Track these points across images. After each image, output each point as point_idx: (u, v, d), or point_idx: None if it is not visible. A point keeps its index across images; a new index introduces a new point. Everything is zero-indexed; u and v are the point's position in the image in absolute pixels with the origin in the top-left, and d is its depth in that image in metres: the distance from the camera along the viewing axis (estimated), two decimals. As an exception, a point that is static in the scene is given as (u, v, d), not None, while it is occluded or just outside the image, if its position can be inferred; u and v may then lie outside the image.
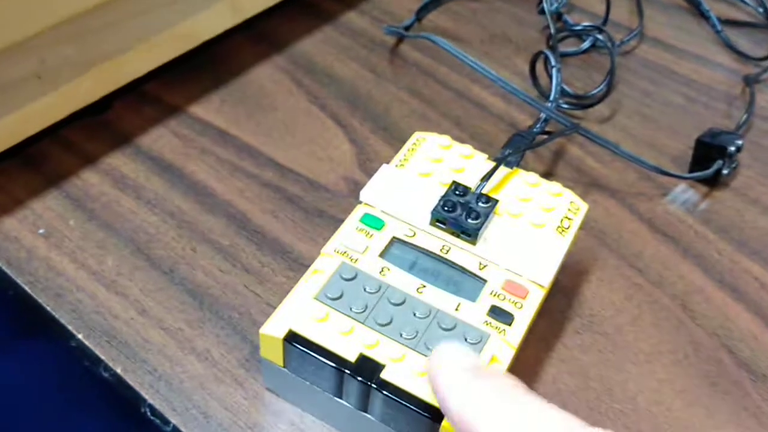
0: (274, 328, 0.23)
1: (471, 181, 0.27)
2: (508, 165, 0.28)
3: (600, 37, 0.38)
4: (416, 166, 0.27)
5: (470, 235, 0.25)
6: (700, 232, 0.32)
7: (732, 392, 0.27)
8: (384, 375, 0.22)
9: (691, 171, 0.34)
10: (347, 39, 0.40)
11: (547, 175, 0.34)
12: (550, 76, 0.35)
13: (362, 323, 0.23)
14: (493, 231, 0.26)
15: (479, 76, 0.37)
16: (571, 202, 0.27)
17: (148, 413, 0.25)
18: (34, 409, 0.25)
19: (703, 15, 0.44)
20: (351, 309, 0.23)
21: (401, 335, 0.23)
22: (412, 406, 0.21)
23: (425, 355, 0.22)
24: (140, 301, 0.27)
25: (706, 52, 0.42)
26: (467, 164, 0.28)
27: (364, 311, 0.23)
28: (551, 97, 0.34)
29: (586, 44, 0.40)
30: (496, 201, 0.26)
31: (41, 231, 0.29)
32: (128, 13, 0.31)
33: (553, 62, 0.34)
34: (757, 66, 0.41)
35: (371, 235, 0.25)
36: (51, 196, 0.31)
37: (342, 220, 0.26)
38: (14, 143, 0.30)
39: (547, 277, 0.25)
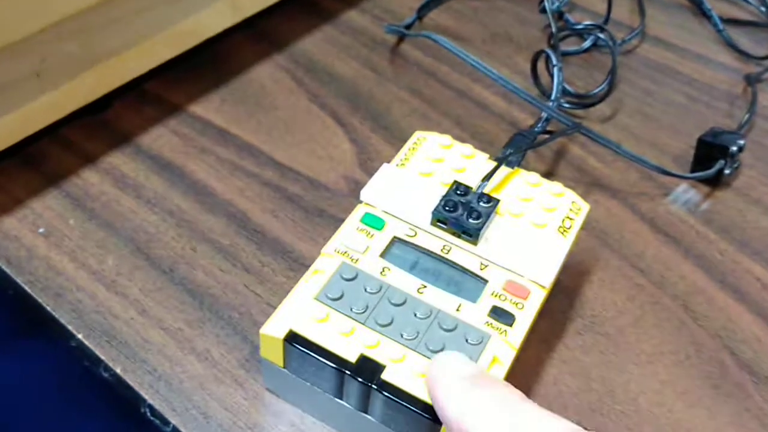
0: (274, 329, 0.23)
1: (472, 180, 0.27)
2: (510, 165, 0.28)
3: (601, 36, 0.38)
4: (417, 166, 0.27)
5: (471, 235, 0.25)
6: (701, 233, 0.32)
7: (734, 394, 0.27)
8: (384, 376, 0.22)
9: (692, 171, 0.34)
10: (348, 38, 0.40)
11: (549, 174, 0.34)
12: (552, 76, 0.34)
13: (363, 324, 0.23)
14: (494, 231, 0.26)
15: (480, 75, 0.37)
16: (573, 202, 0.27)
17: (148, 413, 0.25)
18: (33, 410, 0.25)
19: (705, 14, 0.44)
20: (351, 309, 0.23)
21: (402, 336, 0.23)
22: (412, 408, 0.21)
23: (426, 356, 0.22)
24: (140, 300, 0.27)
25: (708, 52, 0.42)
26: (468, 164, 0.28)
27: (365, 311, 0.23)
28: (553, 97, 0.33)
29: (587, 43, 0.40)
30: (498, 201, 0.26)
31: (41, 230, 0.29)
32: (128, 12, 0.31)
33: (554, 61, 0.34)
34: (759, 65, 0.41)
35: (372, 235, 0.25)
36: (51, 196, 0.30)
37: (342, 220, 0.26)
38: (14, 142, 0.30)
39: (549, 277, 0.25)
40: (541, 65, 0.37)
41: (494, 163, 0.28)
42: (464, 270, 0.25)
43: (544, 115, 0.33)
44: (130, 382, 0.25)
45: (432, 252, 0.25)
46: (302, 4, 0.41)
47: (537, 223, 0.26)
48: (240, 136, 0.34)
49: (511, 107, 0.37)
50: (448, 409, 0.19)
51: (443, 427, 0.21)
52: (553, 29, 0.36)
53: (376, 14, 0.41)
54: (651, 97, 0.39)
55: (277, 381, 0.24)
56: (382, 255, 0.25)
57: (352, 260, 0.24)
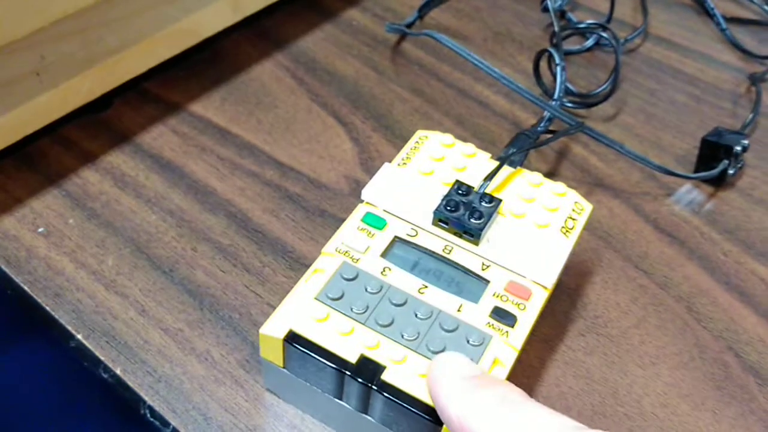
0: (274, 329, 0.22)
1: (474, 180, 0.26)
2: (512, 164, 0.28)
3: (604, 35, 0.38)
4: (418, 165, 0.27)
5: (473, 235, 0.25)
6: (705, 233, 0.32)
7: (738, 396, 0.27)
8: (385, 376, 0.21)
9: (696, 171, 0.34)
10: (349, 37, 0.39)
11: (551, 174, 0.34)
12: (554, 75, 0.34)
13: (363, 324, 0.23)
14: (496, 231, 0.25)
15: (482, 74, 0.37)
16: (576, 203, 0.27)
17: (148, 415, 0.24)
18: (32, 410, 0.25)
19: (708, 13, 0.43)
20: (352, 309, 0.23)
21: (402, 336, 0.22)
22: (413, 409, 0.21)
23: (427, 357, 0.22)
24: (140, 301, 0.27)
25: (712, 51, 0.41)
26: (470, 163, 0.27)
27: (365, 312, 0.23)
28: (555, 96, 0.33)
29: (590, 42, 0.40)
30: (500, 201, 0.26)
31: (41, 230, 0.29)
32: (128, 11, 0.31)
33: (557, 60, 0.34)
34: (763, 64, 0.41)
35: (373, 235, 0.25)
36: (50, 195, 0.30)
37: (343, 220, 0.26)
38: (13, 141, 0.30)
39: (551, 278, 0.24)
40: (543, 64, 0.36)
41: (496, 163, 0.27)
42: (466, 270, 0.24)
43: (546, 114, 0.32)
44: (130, 383, 0.25)
45: (433, 252, 0.25)
46: (303, 3, 0.41)
47: (539, 224, 0.26)
48: (240, 136, 0.34)
49: (513, 106, 0.37)
50: (450, 408, 0.19)
51: (444, 428, 0.21)
52: (556, 28, 0.35)
53: (377, 13, 0.41)
54: (654, 97, 0.38)
55: (278, 381, 0.24)
56: (383, 255, 0.24)
57: (352, 260, 0.24)
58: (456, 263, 0.24)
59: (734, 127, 0.37)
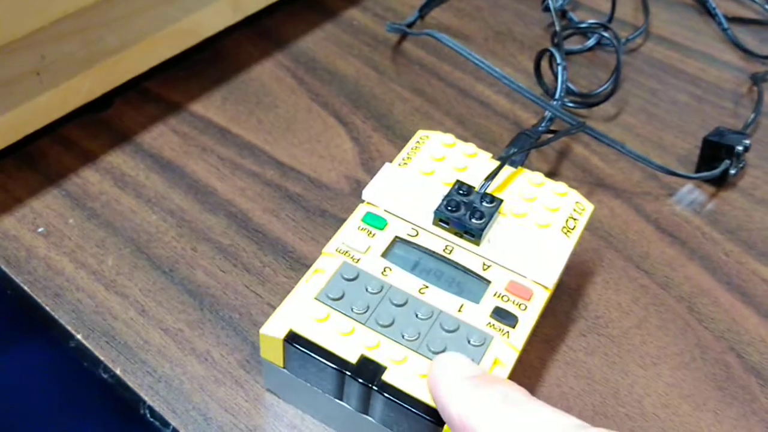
0: (274, 329, 0.22)
1: (475, 180, 0.26)
2: (513, 164, 0.28)
3: (605, 34, 0.38)
4: (419, 165, 0.27)
5: (474, 235, 0.25)
6: (707, 233, 0.32)
7: (740, 397, 0.26)
8: (385, 377, 0.21)
9: (697, 171, 0.34)
10: (349, 36, 0.39)
11: (552, 174, 0.34)
12: (555, 74, 0.34)
13: (363, 324, 0.22)
14: (497, 231, 0.25)
15: (483, 74, 0.37)
16: (577, 203, 0.27)
17: (148, 415, 0.24)
18: (32, 411, 0.25)
19: (710, 12, 0.43)
20: (352, 309, 0.23)
21: (403, 336, 0.22)
22: (413, 409, 0.21)
23: (427, 357, 0.22)
24: (140, 301, 0.27)
25: (713, 50, 0.41)
26: (471, 163, 0.27)
27: (366, 312, 0.23)
28: (556, 96, 0.33)
29: (591, 42, 0.40)
30: (501, 201, 0.26)
31: (40, 230, 0.29)
32: (128, 10, 0.31)
33: (558, 60, 0.34)
34: (765, 64, 0.40)
35: (373, 235, 0.25)
36: (50, 195, 0.30)
37: (344, 220, 0.26)
38: (13, 141, 0.30)
39: (552, 278, 0.24)
40: (544, 64, 0.36)
41: (497, 163, 0.27)
42: (466, 270, 0.24)
43: (547, 114, 0.32)
44: (130, 384, 0.25)
45: (434, 252, 0.25)
46: (303, 3, 0.41)
47: (540, 224, 0.26)
48: (241, 135, 0.34)
49: (514, 106, 0.37)
50: (451, 407, 0.19)
51: (445, 428, 0.21)
52: (557, 28, 0.35)
53: (378, 13, 0.41)
54: (655, 97, 0.38)
55: (278, 382, 0.24)
56: (384, 255, 0.24)
57: (353, 260, 0.24)
58: (457, 263, 0.24)
59: (736, 126, 0.37)
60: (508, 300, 0.24)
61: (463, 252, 0.25)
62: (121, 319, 0.26)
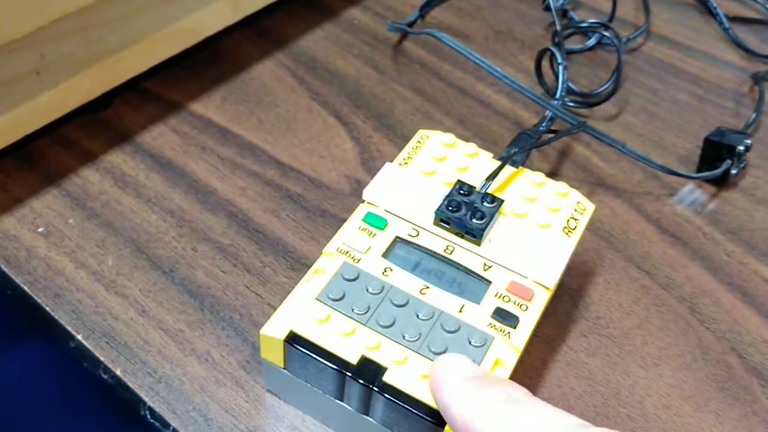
0: (274, 329, 0.22)
1: (476, 180, 0.26)
2: (514, 164, 0.28)
3: (606, 34, 0.38)
4: (420, 165, 0.27)
5: (475, 235, 0.25)
6: (708, 234, 0.32)
7: (742, 398, 0.26)
8: (386, 378, 0.21)
9: (698, 171, 0.34)
10: (350, 36, 0.39)
11: (553, 174, 0.34)
12: (556, 74, 0.34)
13: (364, 325, 0.22)
14: (498, 231, 0.25)
15: (484, 74, 0.37)
16: (578, 203, 0.27)
17: (148, 416, 0.24)
18: (32, 411, 0.25)
19: (711, 12, 0.43)
20: (353, 310, 0.23)
21: (404, 337, 0.22)
22: (414, 410, 0.21)
23: (428, 358, 0.22)
24: (140, 301, 0.27)
25: (714, 50, 0.41)
26: (472, 163, 0.27)
27: (367, 312, 0.23)
28: (557, 95, 0.33)
29: (592, 41, 0.40)
30: (502, 201, 0.26)
31: (40, 230, 0.29)
32: (128, 10, 0.31)
33: (559, 59, 0.34)
34: (766, 64, 0.40)
35: (374, 235, 0.25)
36: (50, 195, 0.30)
37: (344, 220, 0.26)
38: (13, 141, 0.30)
39: (553, 278, 0.24)
40: (545, 63, 0.36)
41: (498, 163, 0.27)
42: (467, 271, 0.24)
43: (548, 113, 0.32)
44: (130, 384, 0.25)
45: (435, 252, 0.25)
46: (303, 2, 0.41)
47: (541, 224, 0.26)
48: (241, 135, 0.34)
49: (515, 106, 0.37)
50: (453, 407, 0.19)
51: (447, 429, 0.21)
52: (558, 27, 0.35)
53: (378, 12, 0.41)
54: (656, 96, 0.38)
55: (278, 382, 0.24)
56: (385, 255, 0.24)
57: (353, 260, 0.24)
58: (458, 264, 0.24)
59: (737, 126, 0.36)
60: (509, 300, 0.24)
61: (464, 252, 0.25)
62: (122, 319, 0.26)
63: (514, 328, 0.23)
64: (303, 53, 0.38)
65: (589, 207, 0.27)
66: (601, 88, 0.36)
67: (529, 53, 0.39)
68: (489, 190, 0.26)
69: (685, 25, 0.43)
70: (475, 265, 0.24)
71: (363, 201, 0.26)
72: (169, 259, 0.28)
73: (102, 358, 0.25)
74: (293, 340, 0.22)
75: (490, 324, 0.23)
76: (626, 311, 0.29)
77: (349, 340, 0.22)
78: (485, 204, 0.25)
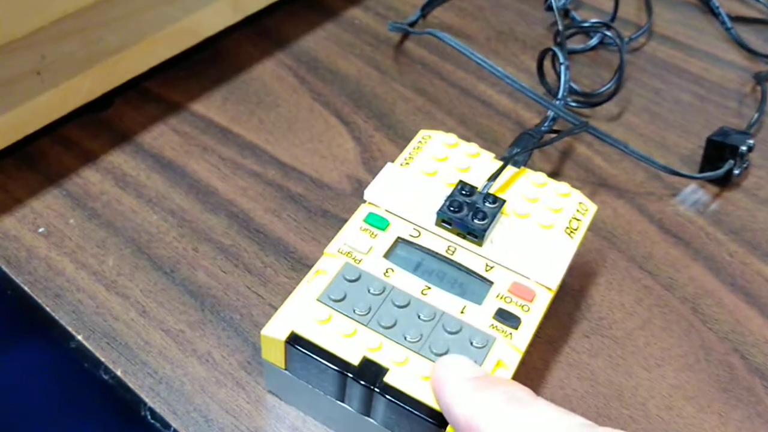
0: (275, 330, 0.22)
1: (477, 180, 0.26)
2: (516, 164, 0.27)
3: (608, 33, 0.38)
4: (421, 165, 0.27)
5: (477, 236, 0.25)
6: (711, 234, 0.32)
7: (745, 398, 0.26)
8: (387, 379, 0.21)
9: (701, 171, 0.34)
10: (351, 36, 0.39)
11: (555, 174, 0.34)
12: (558, 74, 0.34)
13: (365, 325, 0.22)
14: (499, 232, 0.25)
15: (485, 74, 0.36)
16: (580, 203, 0.27)
17: (149, 417, 0.24)
18: (32, 412, 0.25)
19: (713, 12, 0.43)
20: (354, 311, 0.23)
21: (405, 338, 0.22)
22: (416, 411, 0.21)
23: (430, 359, 0.22)
24: (141, 302, 0.27)
25: (716, 50, 0.41)
26: (473, 163, 0.27)
27: (368, 313, 0.23)
28: (559, 95, 0.33)
29: (594, 41, 0.40)
30: (504, 201, 0.25)
31: (41, 230, 0.29)
32: (129, 10, 0.31)
33: (561, 59, 0.33)
34: (769, 64, 0.40)
35: (375, 235, 0.25)
36: (51, 195, 0.30)
37: (346, 220, 0.26)
38: (13, 141, 0.30)
39: (555, 279, 0.24)
40: (547, 63, 0.36)
41: (500, 163, 0.27)
42: (469, 271, 0.24)
43: (550, 113, 0.32)
44: (131, 385, 0.25)
45: (436, 253, 0.25)
46: (304, 2, 0.41)
47: (543, 224, 0.26)
48: (242, 135, 0.34)
49: (516, 106, 0.36)
50: (456, 408, 0.19)
51: (449, 429, 0.20)
52: (560, 27, 0.35)
53: (380, 12, 0.41)
54: (659, 96, 0.38)
55: (279, 383, 0.24)
56: (386, 256, 0.24)
57: (355, 261, 0.24)
58: (459, 264, 0.24)
59: (739, 126, 0.36)
60: (511, 301, 0.24)
61: (465, 253, 0.25)
62: (122, 320, 0.26)
63: (516, 329, 0.23)
64: (304, 53, 0.38)
65: (592, 207, 0.27)
66: (603, 88, 0.36)
67: (530, 53, 0.39)
68: (491, 191, 0.26)
69: (687, 25, 0.43)
70: (477, 266, 0.24)
71: (364, 201, 0.26)
72: (169, 260, 0.28)
73: (102, 359, 0.25)
74: (294, 340, 0.22)
75: (492, 325, 0.23)
76: (628, 312, 0.29)
77: (351, 341, 0.22)
78: (487, 204, 0.25)
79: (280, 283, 0.28)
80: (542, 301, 0.24)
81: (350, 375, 0.21)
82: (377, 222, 0.25)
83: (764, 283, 0.30)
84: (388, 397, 0.21)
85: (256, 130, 0.34)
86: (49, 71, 0.29)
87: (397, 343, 0.22)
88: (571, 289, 0.29)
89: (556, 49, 0.34)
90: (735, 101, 0.38)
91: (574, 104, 0.37)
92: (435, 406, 0.21)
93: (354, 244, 0.24)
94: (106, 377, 0.25)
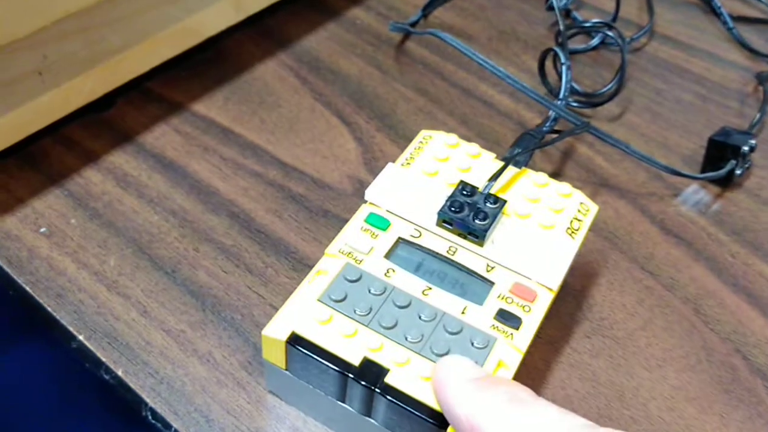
0: (276, 330, 0.22)
1: (478, 180, 0.26)
2: (517, 165, 0.27)
3: (610, 33, 0.38)
4: (422, 165, 0.27)
5: (478, 236, 0.25)
6: (712, 234, 0.32)
7: (746, 399, 0.26)
8: (388, 379, 0.21)
9: (703, 171, 0.34)
10: (352, 36, 0.39)
11: (556, 174, 0.33)
12: (560, 74, 0.34)
13: (366, 326, 0.22)
14: (501, 232, 0.25)
15: (487, 74, 0.36)
16: (581, 203, 0.27)
17: (149, 417, 0.24)
18: (33, 412, 0.25)
19: (715, 12, 0.43)
20: (355, 311, 0.23)
21: (406, 339, 0.22)
22: (417, 412, 0.21)
23: (431, 360, 0.22)
24: (142, 302, 0.27)
25: (718, 50, 0.41)
26: (474, 163, 0.27)
27: (369, 314, 0.23)
28: (561, 95, 0.33)
29: (595, 41, 0.40)
30: (505, 201, 0.25)
31: (42, 230, 0.29)
32: (131, 10, 0.31)
33: (562, 59, 0.33)
34: (771, 64, 0.40)
35: (376, 236, 0.25)
36: (52, 195, 0.30)
37: (347, 220, 0.26)
38: (15, 141, 0.30)
39: (556, 279, 0.24)
40: (548, 63, 0.36)
41: (501, 163, 0.27)
42: (470, 272, 0.24)
43: (551, 114, 0.32)
44: (132, 385, 0.25)
45: (437, 253, 0.24)
46: (306, 2, 0.41)
47: (545, 225, 0.26)
48: (243, 135, 0.34)
49: (518, 106, 0.36)
50: (458, 408, 0.19)
51: (450, 430, 0.20)
52: (561, 27, 0.35)
53: (381, 12, 0.41)
54: (660, 96, 0.38)
55: (280, 383, 0.24)
56: (387, 256, 0.24)
57: (356, 261, 0.24)
58: (460, 265, 0.24)
59: (741, 126, 0.36)
60: (512, 302, 0.23)
61: (466, 253, 0.25)
62: (123, 320, 0.26)
63: (517, 329, 0.23)
64: (306, 53, 0.38)
65: (593, 208, 0.27)
66: (605, 88, 0.36)
67: (532, 53, 0.39)
68: (492, 191, 0.26)
69: (688, 25, 0.43)
70: (478, 266, 0.24)
71: (365, 201, 0.26)
72: (171, 260, 0.28)
73: (103, 359, 0.25)
74: (295, 341, 0.22)
75: (493, 325, 0.23)
76: (630, 312, 0.29)
77: (351, 342, 0.22)
78: (488, 205, 0.25)
79: (281, 284, 0.28)
80: (543, 302, 0.24)
81: (351, 375, 0.21)
82: (378, 222, 0.25)
83: (766, 284, 0.30)
84: (388, 397, 0.21)
85: (258, 130, 0.34)
86: (51, 71, 0.29)
87: (398, 343, 0.22)
88: (573, 289, 0.29)
89: (558, 49, 0.34)
90: (737, 101, 0.38)
91: (575, 104, 0.37)
92: (436, 406, 0.21)
93: (355, 245, 0.24)
94: (107, 377, 0.25)
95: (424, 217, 0.25)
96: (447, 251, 0.25)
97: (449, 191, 0.26)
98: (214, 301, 0.27)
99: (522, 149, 0.29)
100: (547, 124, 0.32)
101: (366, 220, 0.25)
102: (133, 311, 0.27)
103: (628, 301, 0.29)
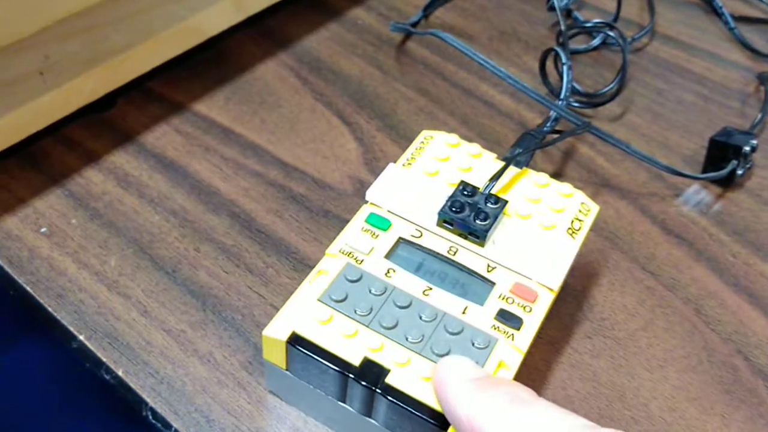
0: (276, 330, 0.22)
1: (479, 181, 0.26)
2: (518, 165, 0.27)
3: (611, 34, 0.38)
4: (423, 166, 0.27)
5: (478, 236, 0.25)
6: (714, 235, 0.32)
7: (747, 400, 0.26)
8: (389, 380, 0.21)
9: (704, 171, 0.34)
10: (353, 36, 0.39)
11: (557, 175, 0.33)
12: (561, 74, 0.34)
13: (367, 326, 0.22)
14: (501, 232, 0.25)
15: (488, 74, 0.36)
16: (582, 204, 0.27)
17: (150, 417, 0.24)
18: (33, 411, 0.25)
19: (716, 11, 0.43)
20: (356, 311, 0.23)
21: (407, 339, 0.22)
22: (417, 413, 0.21)
23: (431, 360, 0.22)
24: (142, 302, 0.27)
25: (719, 50, 0.41)
26: (475, 164, 0.27)
27: (369, 314, 0.23)
28: (562, 95, 0.33)
29: (596, 41, 0.40)
30: (506, 202, 0.25)
31: (43, 230, 0.29)
32: (132, 10, 0.31)
33: (563, 59, 0.33)
34: (773, 64, 0.40)
35: (377, 236, 0.25)
36: (53, 195, 0.30)
37: (347, 220, 0.26)
38: (16, 141, 0.30)
39: (557, 280, 0.24)
40: (549, 64, 0.36)
41: (502, 163, 0.27)
42: (471, 272, 0.24)
43: (552, 114, 0.32)
44: (132, 385, 0.25)
45: (438, 253, 0.24)
46: (307, 2, 0.41)
47: (545, 225, 0.25)
48: (244, 135, 0.34)
49: (519, 106, 0.36)
50: (458, 408, 0.19)
51: (451, 430, 0.20)
52: (562, 27, 0.35)
53: (382, 12, 0.41)
54: (661, 96, 0.38)
55: (280, 384, 0.24)
56: (387, 256, 0.24)
57: (356, 261, 0.24)
58: (461, 265, 0.24)
59: (743, 126, 0.36)
60: (513, 302, 0.23)
61: (467, 253, 0.25)
62: (124, 320, 0.26)
63: (518, 329, 0.23)
64: (306, 53, 0.38)
65: (594, 208, 0.27)
66: (606, 89, 0.36)
67: (533, 53, 0.39)
68: (493, 191, 0.26)
69: (690, 25, 0.43)
70: (479, 267, 0.24)
71: (366, 202, 0.26)
72: (171, 260, 0.28)
73: (104, 359, 0.25)
74: (295, 341, 0.22)
75: (494, 326, 0.23)
76: (631, 313, 0.28)
77: (352, 342, 0.22)
78: (489, 205, 0.25)
79: (281, 284, 0.28)
80: (544, 302, 0.24)
81: (351, 376, 0.21)
82: (379, 222, 0.25)
83: (767, 284, 0.30)
84: (389, 398, 0.21)
85: (258, 130, 0.34)
86: (52, 71, 0.29)
87: (399, 343, 0.22)
88: (573, 289, 0.29)
89: (559, 50, 0.34)
90: (738, 101, 0.38)
91: (576, 104, 0.37)
92: (436, 407, 0.21)
93: (355, 245, 0.24)
94: (107, 377, 0.25)
95: (425, 217, 0.25)
96: (448, 251, 0.25)
97: (450, 191, 0.26)
98: (215, 301, 0.27)
99: (523, 149, 0.29)
100: (548, 125, 0.32)
101: (367, 221, 0.25)
102: (133, 311, 0.27)
103: (629, 302, 0.29)
